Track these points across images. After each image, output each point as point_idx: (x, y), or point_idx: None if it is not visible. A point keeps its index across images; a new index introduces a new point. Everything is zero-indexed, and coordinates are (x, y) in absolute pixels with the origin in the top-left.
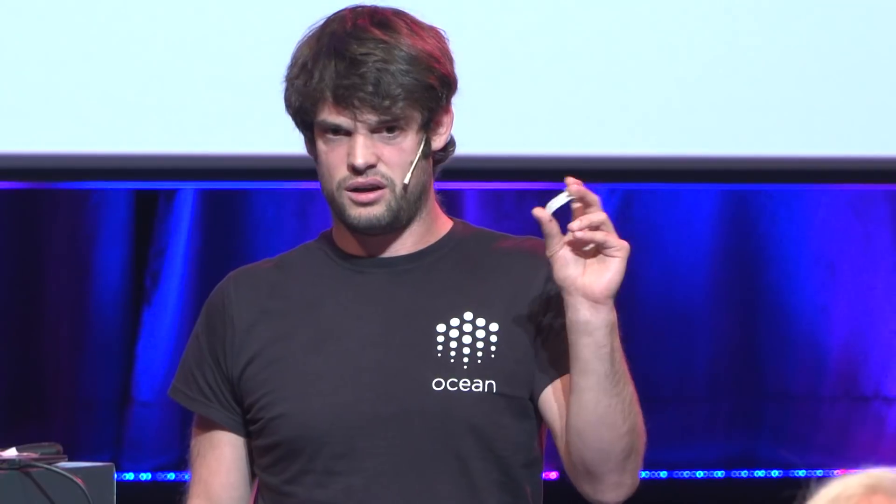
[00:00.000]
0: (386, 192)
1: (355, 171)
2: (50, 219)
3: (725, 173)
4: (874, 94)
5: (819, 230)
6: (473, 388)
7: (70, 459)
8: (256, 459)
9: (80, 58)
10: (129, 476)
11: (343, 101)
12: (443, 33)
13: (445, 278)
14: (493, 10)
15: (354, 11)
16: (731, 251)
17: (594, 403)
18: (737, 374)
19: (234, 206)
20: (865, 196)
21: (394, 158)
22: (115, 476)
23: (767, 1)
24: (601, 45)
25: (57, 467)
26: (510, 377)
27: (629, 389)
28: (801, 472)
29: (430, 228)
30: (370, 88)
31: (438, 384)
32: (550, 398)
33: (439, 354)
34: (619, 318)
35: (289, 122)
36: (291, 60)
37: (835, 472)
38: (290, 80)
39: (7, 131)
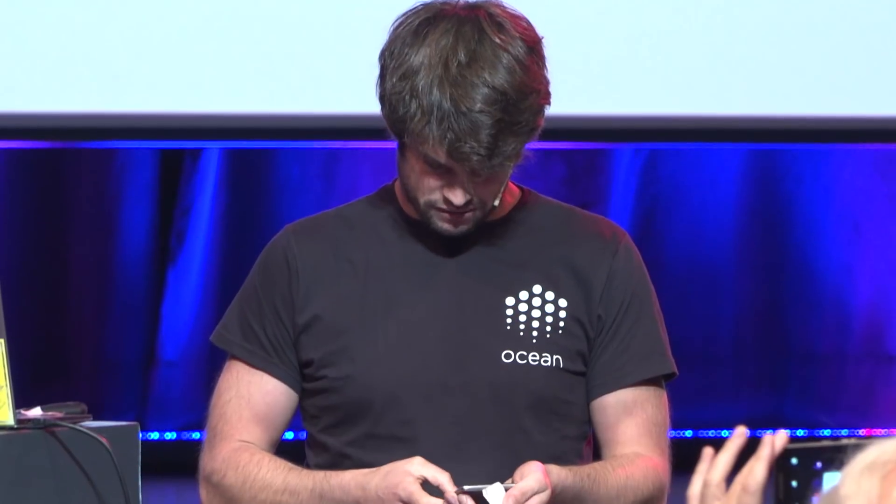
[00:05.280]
0: (476, 212)
1: (452, 204)
2: (75, 178)
3: (750, 133)
4: None
5: (844, 190)
6: (542, 362)
7: (95, 419)
8: (313, 419)
9: (105, 17)
10: (154, 435)
11: (455, 156)
12: (537, 36)
13: (514, 250)
14: None
15: (460, 32)
16: (756, 211)
17: None
18: (762, 333)
19: (259, 166)
20: (890, 156)
21: (489, 189)
22: (140, 435)
23: None
24: (626, 5)
25: (82, 427)
26: (574, 354)
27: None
28: (827, 432)
29: (500, 199)
30: (484, 152)
31: (508, 356)
32: (604, 409)
33: (509, 327)
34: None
35: (313, 81)
36: (394, 59)
37: (860, 431)
38: (395, 90)
39: (32, 91)
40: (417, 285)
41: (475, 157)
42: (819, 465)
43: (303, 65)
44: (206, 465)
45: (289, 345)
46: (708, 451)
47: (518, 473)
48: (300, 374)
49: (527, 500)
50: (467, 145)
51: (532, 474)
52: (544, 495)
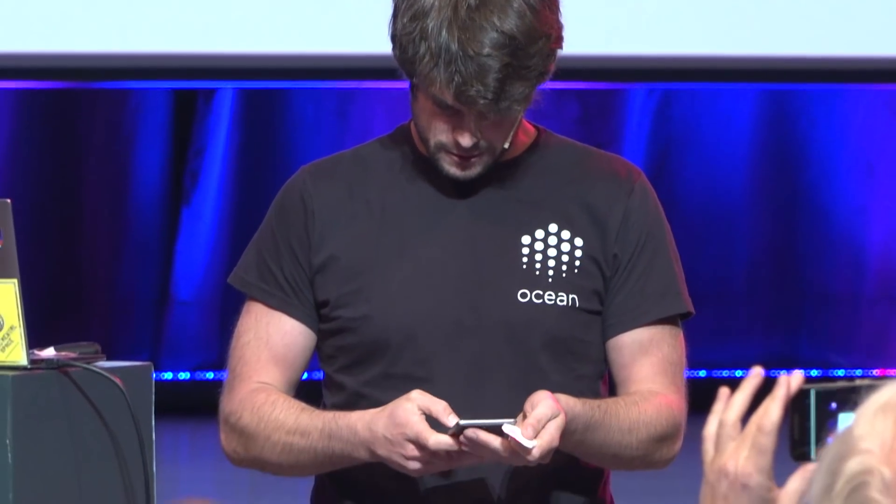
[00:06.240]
0: (485, 156)
1: (460, 146)
2: (89, 119)
3: (764, 73)
4: None
5: (858, 131)
6: (558, 302)
7: (109, 359)
8: (329, 359)
9: None
10: (168, 375)
11: (461, 100)
12: None
13: (529, 189)
14: None
15: None
16: (770, 151)
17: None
18: (776, 274)
19: (273, 106)
20: None
21: (497, 132)
22: (154, 375)
23: None
24: None
25: (95, 367)
26: (590, 293)
27: (617, 436)
28: (840, 372)
29: (513, 140)
30: (491, 96)
31: (524, 295)
32: (619, 348)
33: (524, 266)
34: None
35: (327, 21)
36: (406, 0)
37: (874, 371)
38: (405, 31)
39: (47, 31)
40: (433, 225)
41: (482, 101)
42: (834, 405)
43: (317, 4)
44: (225, 406)
45: (306, 285)
46: (724, 391)
47: (528, 403)
48: (318, 315)
49: (542, 426)
50: (474, 89)
51: (543, 401)
52: (559, 420)
